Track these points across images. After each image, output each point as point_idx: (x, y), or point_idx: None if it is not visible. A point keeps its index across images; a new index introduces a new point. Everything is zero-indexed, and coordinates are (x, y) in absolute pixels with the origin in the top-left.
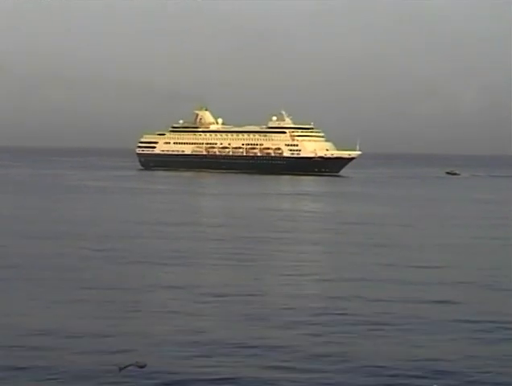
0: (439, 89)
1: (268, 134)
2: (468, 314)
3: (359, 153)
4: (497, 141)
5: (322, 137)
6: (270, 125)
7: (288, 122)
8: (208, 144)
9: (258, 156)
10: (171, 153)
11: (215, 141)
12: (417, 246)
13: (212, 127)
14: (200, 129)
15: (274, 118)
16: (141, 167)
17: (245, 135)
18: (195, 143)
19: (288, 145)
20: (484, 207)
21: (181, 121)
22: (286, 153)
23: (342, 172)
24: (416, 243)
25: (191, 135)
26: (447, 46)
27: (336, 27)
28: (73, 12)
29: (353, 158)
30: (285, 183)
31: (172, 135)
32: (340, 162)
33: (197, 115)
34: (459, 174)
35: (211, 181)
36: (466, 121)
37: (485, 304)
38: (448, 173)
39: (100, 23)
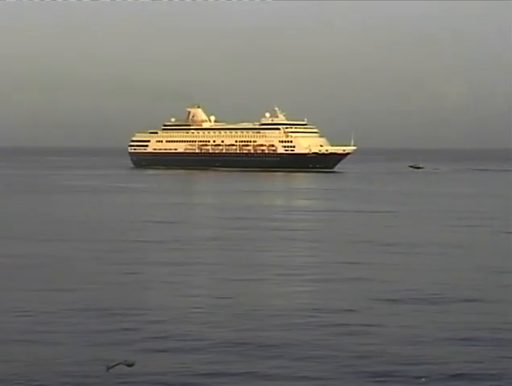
0: (427, 85)
1: (261, 131)
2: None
3: (354, 148)
4: (486, 136)
5: (316, 133)
6: (264, 122)
7: (282, 118)
8: (200, 142)
9: (251, 153)
10: (163, 151)
11: (208, 139)
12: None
13: (205, 125)
14: (192, 127)
15: (268, 115)
16: (133, 166)
17: (239, 132)
18: (187, 141)
19: (282, 141)
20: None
21: (173, 119)
22: (280, 150)
23: (337, 168)
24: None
25: (183, 133)
26: (435, 43)
27: (327, 25)
28: (67, 10)
29: (347, 154)
30: (279, 180)
31: (164, 133)
32: (335, 158)
33: (189, 113)
34: (423, 168)
35: (204, 179)
36: (453, 117)
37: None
38: (411, 166)
39: (91, 22)
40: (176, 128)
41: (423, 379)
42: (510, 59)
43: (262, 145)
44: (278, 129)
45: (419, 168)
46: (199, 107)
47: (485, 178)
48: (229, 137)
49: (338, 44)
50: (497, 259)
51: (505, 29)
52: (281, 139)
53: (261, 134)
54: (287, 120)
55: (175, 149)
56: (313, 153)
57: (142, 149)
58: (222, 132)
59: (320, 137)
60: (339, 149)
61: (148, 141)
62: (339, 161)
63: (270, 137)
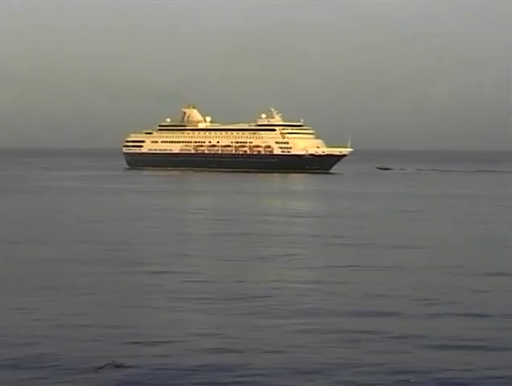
0: (412, 86)
1: (257, 132)
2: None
3: (350, 150)
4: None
5: (312, 134)
6: (260, 123)
7: (278, 120)
8: (196, 142)
9: (247, 154)
10: (158, 152)
11: (203, 140)
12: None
13: (201, 125)
14: (187, 128)
15: (264, 116)
16: (127, 167)
17: (234, 133)
18: (183, 142)
19: (278, 142)
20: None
21: (168, 120)
22: (277, 151)
23: (333, 169)
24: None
25: (179, 133)
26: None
27: (322, 26)
28: (62, 7)
29: (344, 155)
30: (275, 181)
31: (160, 134)
32: (332, 159)
33: (185, 113)
34: (392, 169)
35: (199, 180)
36: (438, 118)
37: None
38: (378, 168)
39: (84, 20)
40: (171, 128)
41: (412, 380)
42: (497, 60)
43: (258, 146)
44: (275, 130)
45: (387, 169)
46: (194, 107)
47: (439, 178)
48: (224, 137)
49: (334, 45)
50: None
51: (493, 29)
52: (277, 140)
53: (257, 135)
54: (284, 121)
55: (171, 150)
56: (310, 154)
57: (136, 150)
58: (218, 133)
59: (317, 138)
60: (335, 151)
61: (143, 141)
62: (335, 162)
63: (267, 138)
